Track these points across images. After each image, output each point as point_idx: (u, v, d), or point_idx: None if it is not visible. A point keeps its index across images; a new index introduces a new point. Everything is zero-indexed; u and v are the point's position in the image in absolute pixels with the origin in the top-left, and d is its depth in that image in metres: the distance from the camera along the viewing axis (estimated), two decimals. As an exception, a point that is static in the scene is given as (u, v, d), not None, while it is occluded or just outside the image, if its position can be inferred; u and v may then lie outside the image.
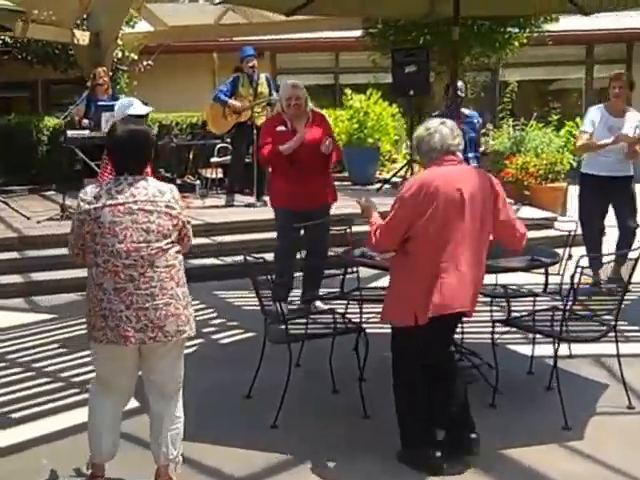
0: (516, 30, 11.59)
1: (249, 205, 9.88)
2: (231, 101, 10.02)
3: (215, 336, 6.43)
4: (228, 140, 11.24)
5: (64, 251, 7.89)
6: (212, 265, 8.18)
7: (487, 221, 3.92)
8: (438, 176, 3.86)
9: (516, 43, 11.73)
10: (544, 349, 5.13)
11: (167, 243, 3.59)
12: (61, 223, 9.00)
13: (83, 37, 12.31)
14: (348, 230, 5.60)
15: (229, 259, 8.17)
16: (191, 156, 12.43)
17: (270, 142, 6.38)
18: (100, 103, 9.31)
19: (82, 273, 7.64)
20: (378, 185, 11.16)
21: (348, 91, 12.46)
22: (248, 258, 4.61)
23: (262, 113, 10.12)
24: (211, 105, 10.40)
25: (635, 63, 16.73)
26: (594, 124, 6.98)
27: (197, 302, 6.69)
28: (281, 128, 6.41)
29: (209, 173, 11.87)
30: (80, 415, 4.26)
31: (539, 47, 13.15)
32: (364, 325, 4.92)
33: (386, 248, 4.02)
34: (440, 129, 3.95)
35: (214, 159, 11.91)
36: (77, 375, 5.44)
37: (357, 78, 15.68)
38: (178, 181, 11.64)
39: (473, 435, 4.04)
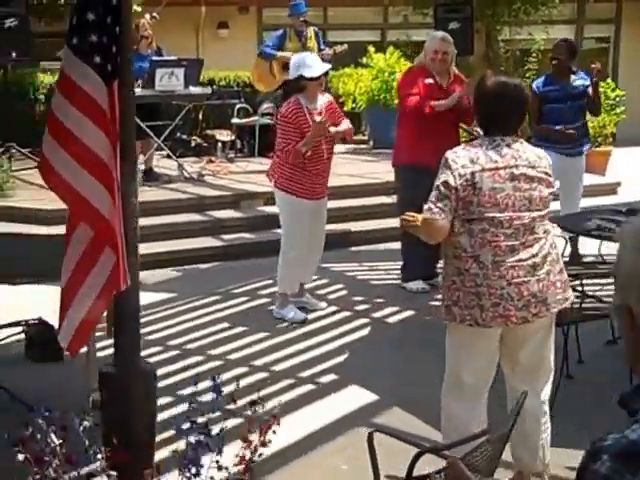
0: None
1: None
2: (280, 53, 9.24)
3: (376, 314, 5.83)
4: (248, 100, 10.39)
5: (167, 220, 7.26)
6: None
7: None
8: None
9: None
10: None
11: (547, 212, 3.30)
12: (142, 189, 8.08)
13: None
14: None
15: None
16: (200, 116, 11.54)
17: (416, 93, 6.04)
18: (154, 58, 8.35)
19: (185, 245, 7.00)
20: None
21: (371, 49, 11.73)
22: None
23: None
24: (256, 62, 9.58)
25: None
26: None
27: (316, 277, 6.30)
28: (429, 80, 6.10)
29: (224, 136, 10.97)
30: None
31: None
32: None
33: None
34: None
35: (235, 120, 11.03)
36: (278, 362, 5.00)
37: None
38: (193, 143, 10.79)
39: None
